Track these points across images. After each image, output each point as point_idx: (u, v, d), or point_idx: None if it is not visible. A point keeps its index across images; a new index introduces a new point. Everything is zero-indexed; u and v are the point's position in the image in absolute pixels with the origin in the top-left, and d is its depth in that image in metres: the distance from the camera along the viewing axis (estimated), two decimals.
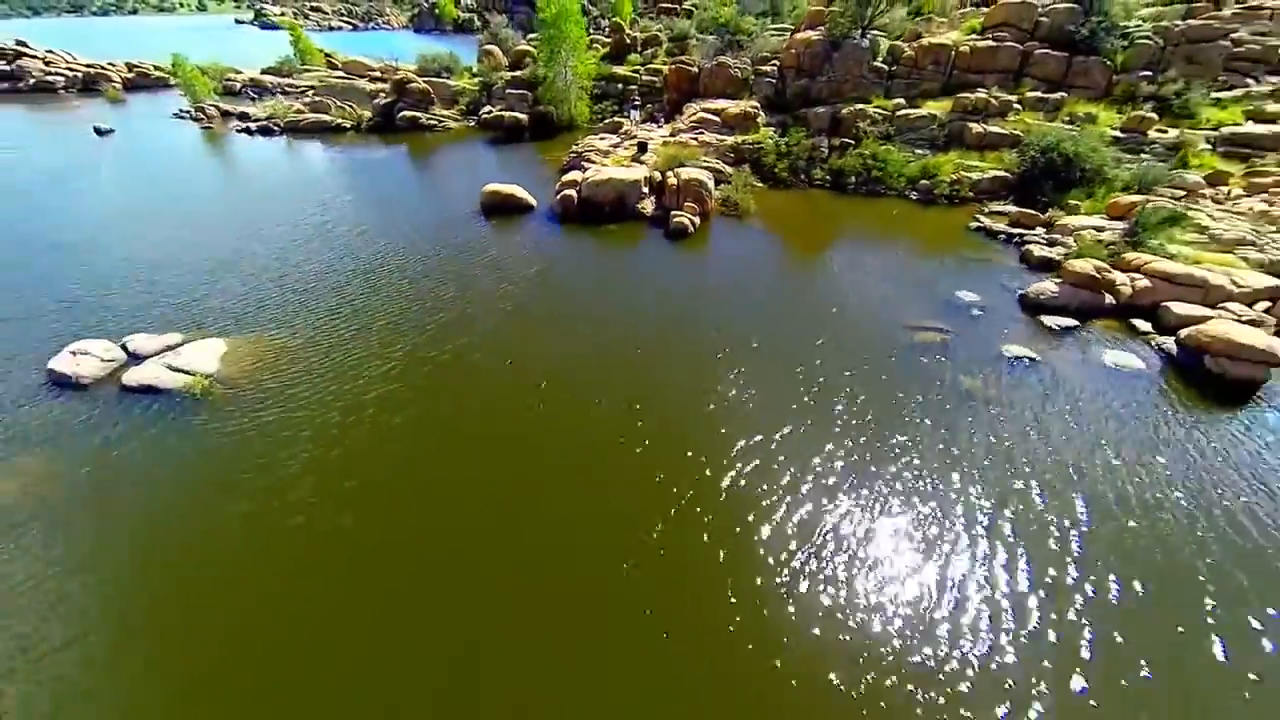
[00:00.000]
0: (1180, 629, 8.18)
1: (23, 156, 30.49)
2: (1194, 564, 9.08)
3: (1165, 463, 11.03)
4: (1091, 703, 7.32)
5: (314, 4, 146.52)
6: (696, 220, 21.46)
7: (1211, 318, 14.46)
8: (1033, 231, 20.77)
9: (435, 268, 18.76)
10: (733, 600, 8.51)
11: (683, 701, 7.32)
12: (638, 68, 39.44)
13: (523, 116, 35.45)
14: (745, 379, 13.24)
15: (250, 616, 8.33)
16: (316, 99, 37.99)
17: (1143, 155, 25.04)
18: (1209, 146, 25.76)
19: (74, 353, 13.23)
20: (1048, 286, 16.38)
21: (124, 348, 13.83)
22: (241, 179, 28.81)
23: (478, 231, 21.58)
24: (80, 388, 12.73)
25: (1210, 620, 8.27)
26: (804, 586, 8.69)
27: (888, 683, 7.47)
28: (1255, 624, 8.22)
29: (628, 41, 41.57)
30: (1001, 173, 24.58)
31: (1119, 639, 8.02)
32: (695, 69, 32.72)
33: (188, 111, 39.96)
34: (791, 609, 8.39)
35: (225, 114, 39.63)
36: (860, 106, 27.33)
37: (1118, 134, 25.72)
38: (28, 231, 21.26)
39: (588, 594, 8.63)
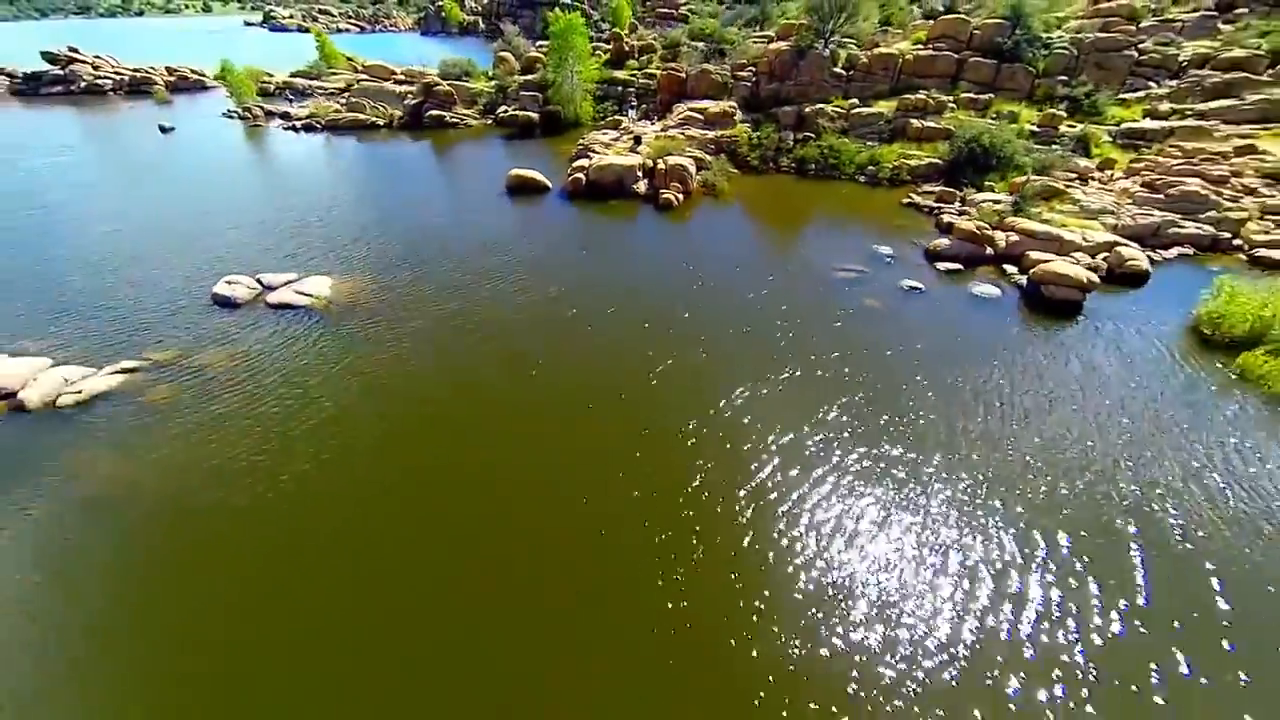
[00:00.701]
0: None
1: (115, 149, 35.65)
2: (1008, 407, 14.27)
3: (999, 350, 16.25)
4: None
5: (322, 6, 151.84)
6: (680, 197, 26.69)
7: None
8: (950, 205, 26.01)
9: (476, 230, 23.95)
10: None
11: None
12: (635, 72, 44.66)
13: (534, 115, 40.55)
14: (709, 302, 18.46)
15: (368, 453, 13.50)
16: (352, 99, 43.10)
17: (1053, 146, 30.31)
18: (1110, 139, 31.13)
19: (228, 282, 18.39)
20: (944, 242, 21.62)
21: (259, 281, 18.97)
22: (303, 167, 33.88)
23: (506, 206, 26.85)
24: (236, 306, 17.87)
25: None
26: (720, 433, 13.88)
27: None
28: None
29: (626, 49, 46.81)
30: (935, 160, 29.79)
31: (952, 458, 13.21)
32: (684, 74, 37.95)
33: (235, 111, 44.91)
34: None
35: (269, 114, 44.63)
36: (821, 106, 32.61)
37: (1034, 129, 31.02)
38: (163, 203, 26.64)
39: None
